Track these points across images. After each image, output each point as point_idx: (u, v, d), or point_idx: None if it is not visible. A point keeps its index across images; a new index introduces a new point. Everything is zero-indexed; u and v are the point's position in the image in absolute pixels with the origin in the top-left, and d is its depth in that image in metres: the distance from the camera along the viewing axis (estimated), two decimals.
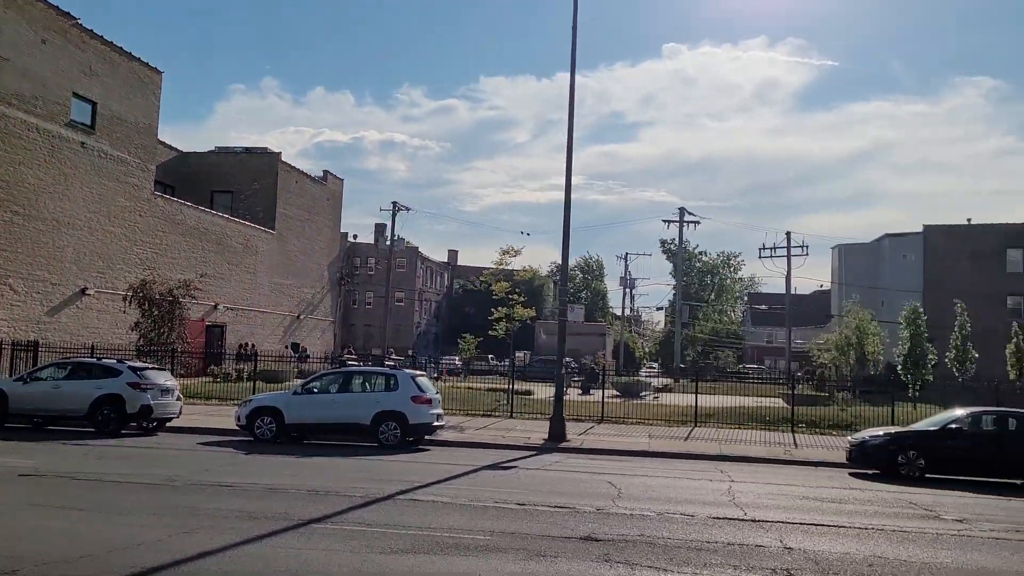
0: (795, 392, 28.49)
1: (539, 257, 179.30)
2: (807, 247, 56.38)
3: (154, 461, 15.05)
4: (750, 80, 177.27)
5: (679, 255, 63.71)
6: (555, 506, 11.52)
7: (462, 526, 9.85)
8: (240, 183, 50.01)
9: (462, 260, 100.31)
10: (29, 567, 7.21)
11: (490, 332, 32.28)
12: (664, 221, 61.04)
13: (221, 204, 48.16)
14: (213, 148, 53.03)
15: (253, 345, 45.25)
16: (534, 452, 19.27)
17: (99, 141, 34.17)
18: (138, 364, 20.81)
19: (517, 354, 66.27)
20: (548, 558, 8.35)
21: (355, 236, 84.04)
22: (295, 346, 50.75)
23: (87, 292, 33.45)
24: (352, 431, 19.28)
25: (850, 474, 17.37)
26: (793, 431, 24.28)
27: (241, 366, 38.44)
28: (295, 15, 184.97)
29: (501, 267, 31.74)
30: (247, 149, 53.42)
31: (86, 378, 19.78)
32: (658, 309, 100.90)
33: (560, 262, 23.02)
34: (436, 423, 19.61)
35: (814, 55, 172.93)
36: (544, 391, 33.51)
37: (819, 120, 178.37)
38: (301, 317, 53.73)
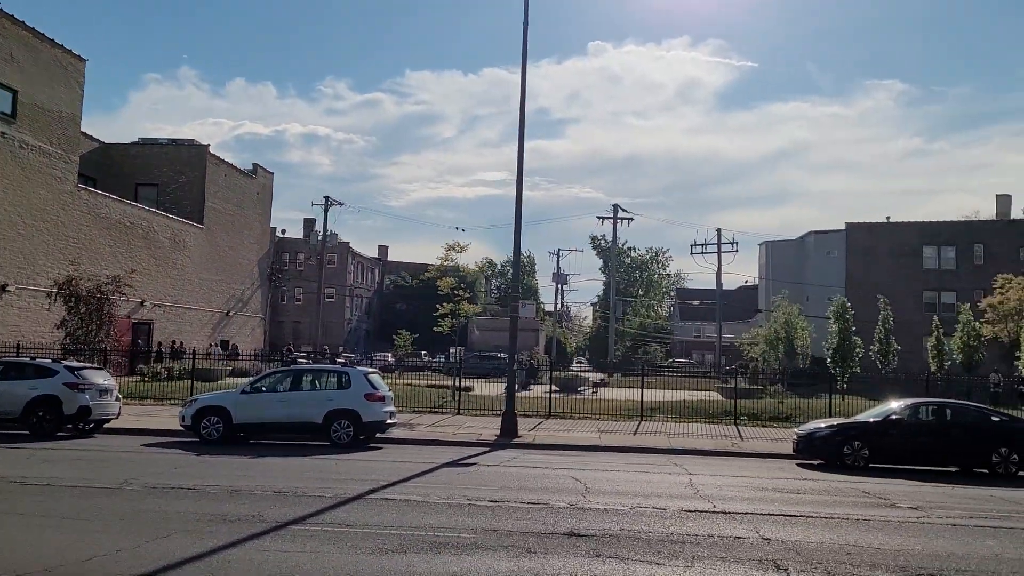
0: (732, 386, 29.18)
1: (469, 253, 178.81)
2: (736, 244, 57.93)
3: (103, 464, 14.46)
4: (673, 79, 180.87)
5: (612, 252, 64.56)
6: (528, 502, 11.55)
7: (443, 524, 9.79)
8: (166, 176, 48.44)
9: (392, 256, 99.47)
10: None
11: (435, 328, 32.08)
12: (598, 217, 61.73)
13: (146, 197, 46.55)
14: (136, 139, 51.20)
15: (181, 343, 43.94)
16: (488, 448, 19.25)
17: (20, 131, 32.61)
18: (75, 364, 19.96)
19: (451, 350, 66.20)
20: (539, 555, 8.36)
21: (283, 231, 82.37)
22: (224, 343, 49.47)
23: (7, 289, 31.89)
24: (303, 430, 18.92)
25: (798, 464, 17.92)
26: (736, 424, 24.90)
27: (171, 364, 37.30)
28: (214, 2, 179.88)
29: (446, 263, 31.51)
30: (172, 140, 51.73)
31: (18, 378, 18.87)
32: (592, 305, 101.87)
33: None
34: (389, 420, 19.42)
35: (734, 56, 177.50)
36: (484, 387, 33.46)
37: (739, 120, 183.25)
38: (231, 314, 52.40)
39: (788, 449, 19.18)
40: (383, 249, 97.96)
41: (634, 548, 8.77)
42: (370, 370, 20.62)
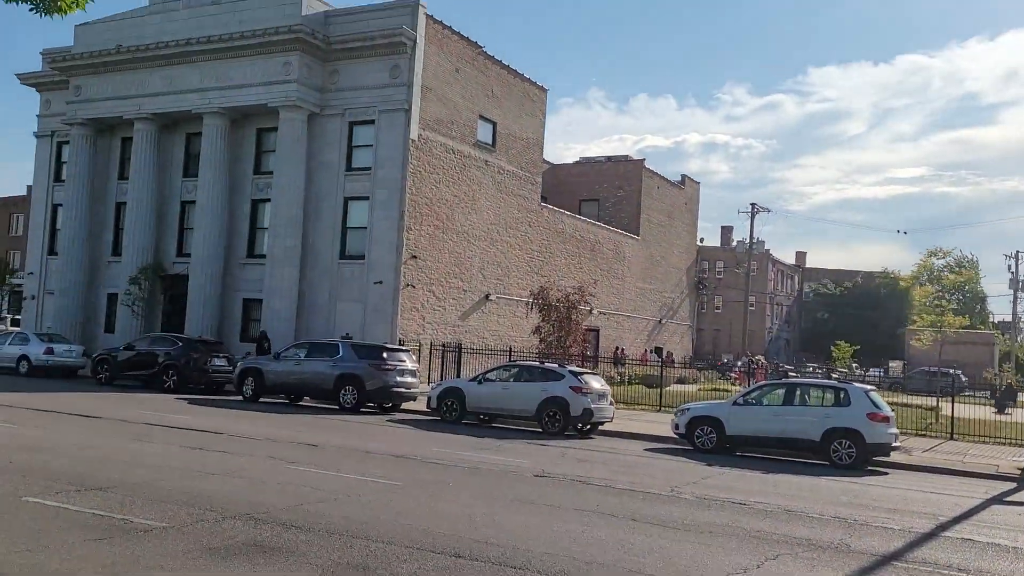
0: None
1: (883, 257, 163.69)
2: None
3: (633, 468, 15.25)
4: None
5: None
6: None
7: None
8: (605, 191, 51.51)
9: (809, 262, 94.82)
10: None
11: (913, 342, 29.28)
12: None
13: (587, 212, 49.87)
14: (578, 159, 55.35)
15: (623, 349, 46.20)
16: (1015, 484, 16.74)
17: (498, 158, 36.84)
18: (577, 368, 21.68)
19: (890, 363, 60.64)
20: None
21: (701, 239, 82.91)
22: (658, 350, 51.00)
23: (490, 298, 36.18)
24: (797, 447, 18.25)
25: None
26: None
27: (622, 370, 39.33)
28: (618, 24, 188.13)
29: (925, 269, 28.66)
30: (609, 158, 54.94)
31: (530, 381, 20.95)
32: None
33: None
34: (894, 444, 17.91)
35: None
36: (947, 407, 29.56)
37: None
38: (663, 321, 53.92)
39: None
40: (800, 256, 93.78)
41: None
42: (870, 387, 19.25)
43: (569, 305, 32.85)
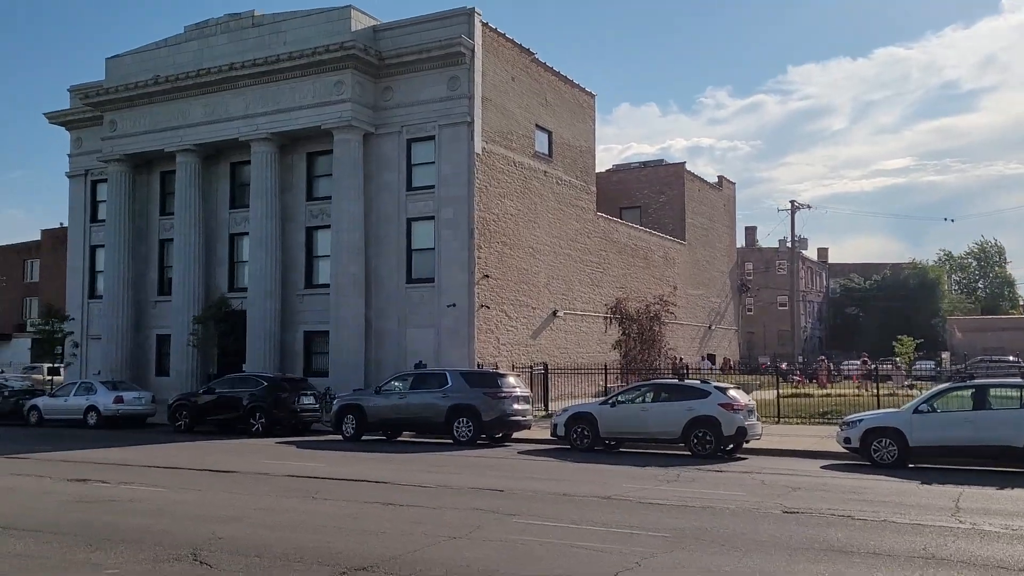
0: None
1: (877, 248, 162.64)
2: None
3: (854, 495, 13.50)
4: None
5: None
6: None
7: None
8: (646, 197, 49.99)
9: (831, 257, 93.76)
10: None
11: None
12: None
13: (629, 219, 48.28)
14: (611, 166, 53.83)
15: (681, 358, 44.46)
16: None
17: (555, 168, 35.29)
18: (721, 384, 19.98)
19: (943, 355, 59.19)
20: None
21: None
22: (711, 357, 49.41)
23: (557, 314, 34.49)
24: (998, 455, 16.55)
25: None
26: None
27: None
28: (595, 35, 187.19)
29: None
30: (645, 163, 53.49)
31: (670, 400, 19.24)
32: None
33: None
34: None
35: None
36: None
37: None
38: (712, 327, 52.33)
39: None
40: (822, 251, 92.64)
41: None
42: None
43: (652, 316, 31.23)
